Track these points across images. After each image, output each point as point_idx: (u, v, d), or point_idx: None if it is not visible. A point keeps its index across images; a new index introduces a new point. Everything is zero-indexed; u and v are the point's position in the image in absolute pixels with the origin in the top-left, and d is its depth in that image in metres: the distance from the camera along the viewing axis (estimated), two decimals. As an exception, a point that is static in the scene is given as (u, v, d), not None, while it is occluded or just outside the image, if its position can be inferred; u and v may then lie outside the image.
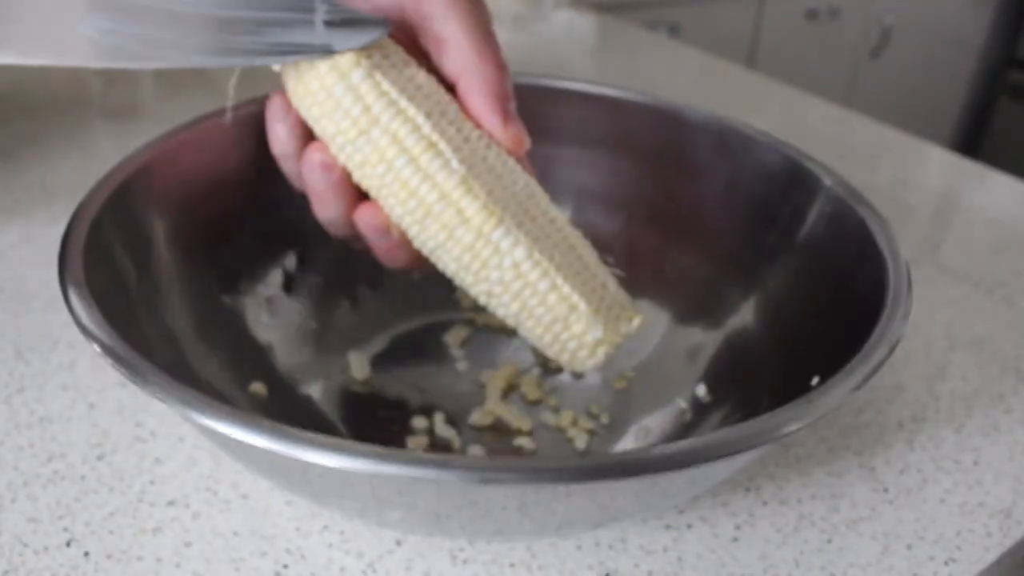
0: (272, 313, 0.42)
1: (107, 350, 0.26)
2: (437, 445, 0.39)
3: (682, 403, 0.40)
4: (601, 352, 0.33)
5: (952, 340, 0.47)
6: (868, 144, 0.71)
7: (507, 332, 0.45)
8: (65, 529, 0.33)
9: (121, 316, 0.29)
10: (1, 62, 0.26)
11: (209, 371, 0.35)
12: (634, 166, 0.46)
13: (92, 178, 0.34)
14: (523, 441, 0.39)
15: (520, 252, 0.32)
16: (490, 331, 0.45)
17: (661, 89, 0.46)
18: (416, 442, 0.38)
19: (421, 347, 0.44)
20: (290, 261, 0.43)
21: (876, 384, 0.28)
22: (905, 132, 0.72)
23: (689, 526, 0.35)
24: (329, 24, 0.30)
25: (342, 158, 0.32)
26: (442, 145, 0.31)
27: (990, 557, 0.34)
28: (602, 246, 0.36)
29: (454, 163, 0.31)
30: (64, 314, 0.28)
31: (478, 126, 0.33)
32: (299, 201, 0.35)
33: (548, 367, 0.44)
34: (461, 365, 0.43)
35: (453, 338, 0.45)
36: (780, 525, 0.35)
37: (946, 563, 0.34)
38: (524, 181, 0.33)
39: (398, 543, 0.33)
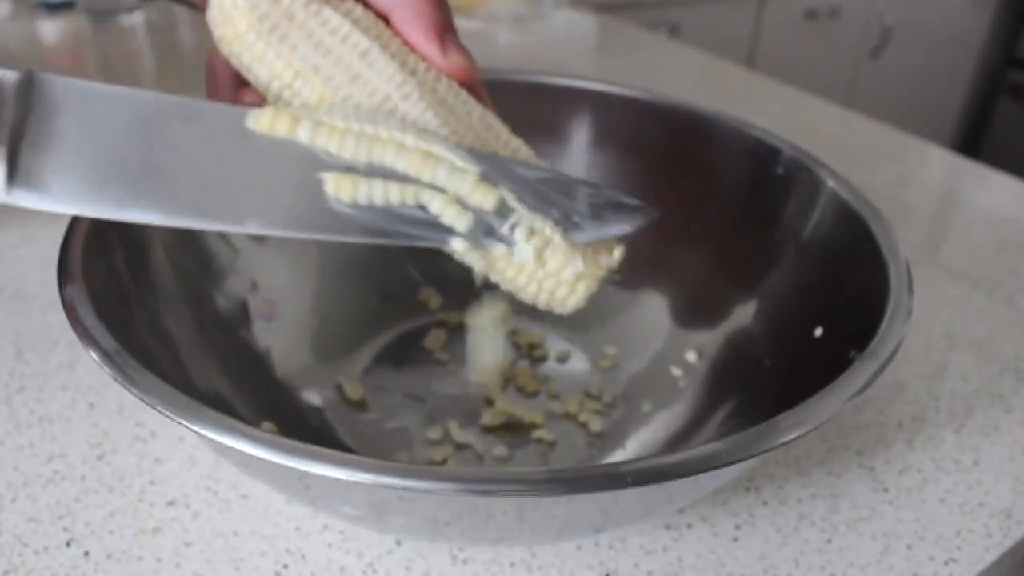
0: (270, 317, 0.42)
1: (105, 359, 0.26)
2: (459, 452, 0.39)
3: (676, 370, 0.42)
4: (581, 288, 0.30)
5: (952, 340, 0.47)
6: (868, 144, 0.71)
7: None
8: (65, 529, 0.33)
9: (119, 320, 0.29)
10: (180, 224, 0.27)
11: (209, 375, 0.35)
12: (639, 166, 0.46)
13: (92, 178, 0.34)
14: (540, 433, 0.40)
15: (465, 183, 0.29)
16: (465, 329, 0.46)
17: (661, 89, 0.46)
18: (440, 452, 0.38)
19: (405, 357, 0.44)
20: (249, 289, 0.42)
21: (876, 384, 0.28)
22: (905, 132, 0.72)
23: (689, 526, 0.35)
24: (593, 207, 0.30)
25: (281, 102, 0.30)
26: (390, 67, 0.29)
27: (990, 557, 0.34)
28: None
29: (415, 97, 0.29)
30: (64, 314, 0.28)
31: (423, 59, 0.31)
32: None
33: (534, 356, 0.44)
34: (451, 368, 0.44)
35: (433, 343, 0.45)
36: (780, 525, 0.35)
37: (946, 563, 0.34)
38: (479, 113, 0.31)
39: (398, 543, 0.33)
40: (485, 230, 0.28)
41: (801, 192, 0.40)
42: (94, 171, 0.26)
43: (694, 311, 0.44)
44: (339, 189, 0.27)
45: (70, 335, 0.43)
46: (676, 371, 0.42)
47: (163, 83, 0.74)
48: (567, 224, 0.29)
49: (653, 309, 0.45)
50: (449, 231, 0.28)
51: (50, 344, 0.43)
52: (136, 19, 0.88)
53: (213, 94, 0.32)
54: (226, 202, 0.27)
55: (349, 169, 0.28)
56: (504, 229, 0.28)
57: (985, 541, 0.35)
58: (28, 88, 0.25)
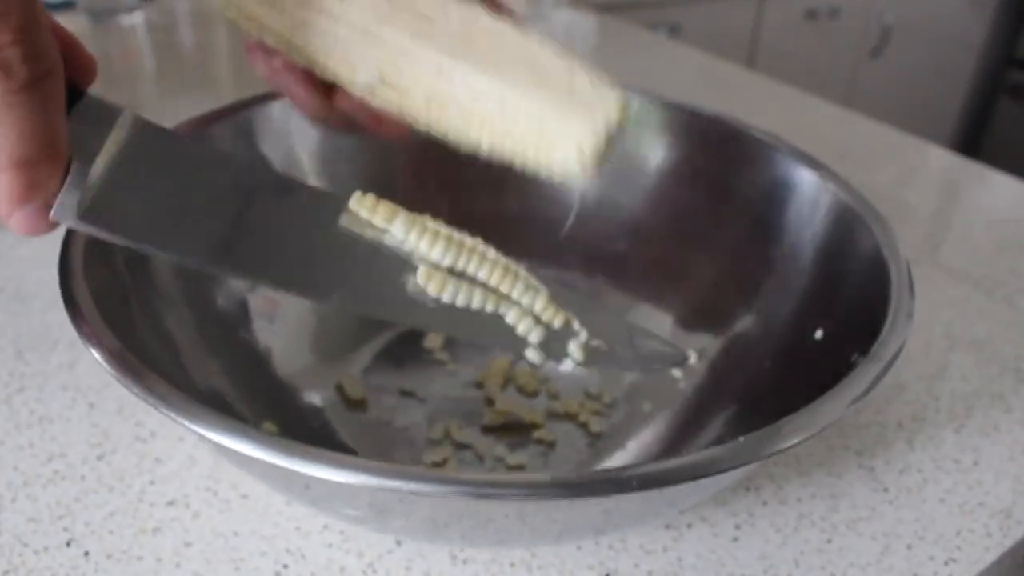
0: (271, 318, 0.42)
1: (107, 359, 0.26)
2: (460, 452, 0.39)
3: (676, 371, 0.42)
4: (587, 148, 0.29)
5: (952, 340, 0.47)
6: (868, 144, 0.71)
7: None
8: (65, 529, 0.33)
9: (120, 320, 0.29)
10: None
11: (209, 375, 0.35)
12: (637, 165, 0.46)
13: (92, 178, 0.34)
14: (541, 433, 0.40)
15: (471, 75, 0.30)
16: None
17: (661, 90, 0.46)
18: (440, 453, 0.38)
19: (405, 357, 0.44)
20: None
21: (876, 386, 0.28)
22: (905, 132, 0.72)
23: (689, 526, 0.35)
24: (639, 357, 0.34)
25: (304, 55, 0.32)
26: None
27: (990, 557, 0.34)
28: (607, 251, 0.36)
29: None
30: (64, 314, 0.28)
31: None
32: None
33: None
34: (451, 368, 0.43)
35: (433, 343, 0.45)
36: (780, 525, 0.35)
37: (946, 563, 0.34)
38: (457, 13, 0.32)
39: (398, 543, 0.33)
40: (550, 345, 0.32)
41: (801, 193, 0.40)
42: (182, 220, 0.27)
43: (694, 312, 0.44)
44: (430, 280, 0.30)
45: (70, 335, 0.43)
46: (676, 372, 0.42)
47: (163, 83, 0.74)
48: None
49: (653, 310, 0.45)
50: (522, 342, 0.31)
51: (50, 344, 0.43)
52: (136, 19, 0.88)
53: (254, 63, 0.34)
54: (314, 272, 0.29)
55: (436, 266, 0.30)
56: (568, 346, 0.32)
57: (985, 541, 0.35)
58: (132, 128, 0.26)
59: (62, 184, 0.24)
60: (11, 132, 0.22)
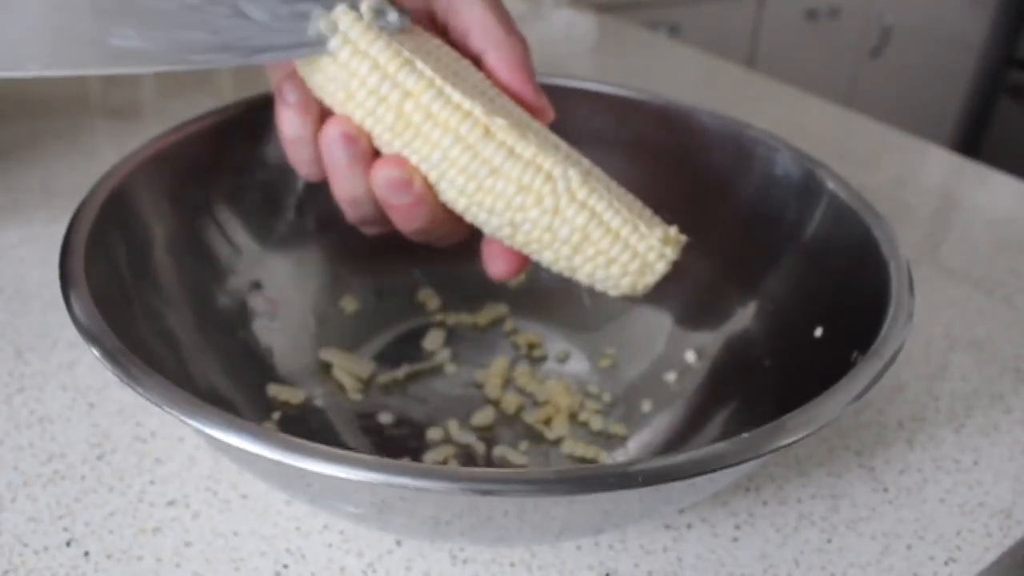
0: (271, 318, 0.42)
1: (108, 358, 0.26)
2: (460, 452, 0.39)
3: (676, 371, 0.42)
4: (670, 251, 0.32)
5: (952, 340, 0.47)
6: (868, 144, 0.71)
7: (479, 328, 0.46)
8: (65, 529, 0.33)
9: (121, 318, 0.29)
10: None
11: (210, 375, 0.35)
12: (639, 167, 0.46)
13: (92, 178, 0.34)
14: (541, 433, 0.40)
15: (575, 177, 0.31)
16: (463, 329, 0.46)
17: (661, 89, 0.46)
18: (441, 453, 0.38)
19: (405, 357, 0.44)
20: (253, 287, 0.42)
21: (877, 384, 0.28)
22: (905, 132, 0.72)
23: (689, 526, 0.35)
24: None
25: (367, 125, 0.31)
26: (466, 100, 0.31)
27: (990, 557, 0.34)
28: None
29: (481, 110, 0.31)
30: (64, 314, 0.28)
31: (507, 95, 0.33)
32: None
33: (533, 356, 0.45)
34: (450, 368, 0.44)
35: (432, 343, 0.45)
36: (780, 525, 0.35)
37: (946, 563, 0.34)
38: (554, 137, 0.33)
39: (398, 543, 0.33)
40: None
41: (801, 193, 0.40)
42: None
43: (694, 311, 0.44)
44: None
45: (70, 335, 0.43)
46: (676, 371, 0.42)
47: (163, 83, 0.75)
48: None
49: (652, 309, 0.45)
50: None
51: (50, 344, 0.43)
52: (136, 19, 0.88)
53: (283, 126, 0.33)
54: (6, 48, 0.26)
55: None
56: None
57: (985, 541, 0.35)
58: None
59: None
60: None
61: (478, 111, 0.30)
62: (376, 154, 0.32)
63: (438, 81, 0.30)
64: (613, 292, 0.33)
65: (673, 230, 0.32)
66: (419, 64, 0.30)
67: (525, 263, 0.34)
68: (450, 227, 0.33)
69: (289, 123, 0.33)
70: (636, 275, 0.32)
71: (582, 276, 0.32)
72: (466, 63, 0.33)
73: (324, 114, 0.32)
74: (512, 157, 0.30)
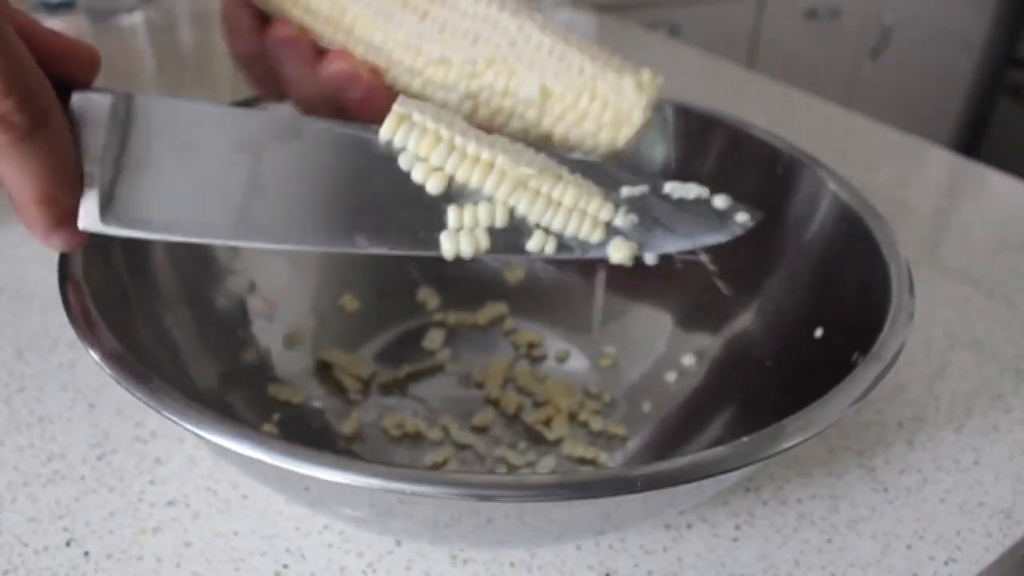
0: (271, 318, 0.42)
1: (106, 360, 0.26)
2: (460, 452, 0.39)
3: (676, 371, 0.42)
4: (645, 98, 0.30)
5: (952, 340, 0.47)
6: (868, 144, 0.71)
7: (480, 328, 0.46)
8: (65, 529, 0.33)
9: (119, 321, 0.29)
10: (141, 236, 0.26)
11: (209, 376, 0.35)
12: (639, 170, 0.46)
13: (92, 178, 0.34)
14: (541, 433, 0.40)
15: (528, 25, 0.29)
16: (463, 329, 0.46)
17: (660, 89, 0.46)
18: (440, 453, 0.38)
19: (405, 357, 0.44)
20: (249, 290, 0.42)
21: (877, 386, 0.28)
22: (905, 132, 0.72)
23: (689, 526, 0.35)
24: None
25: (307, 23, 0.31)
26: None
27: (990, 557, 0.34)
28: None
29: None
30: (64, 314, 0.28)
31: None
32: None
33: (533, 356, 0.45)
34: (451, 368, 0.44)
35: (432, 343, 0.45)
36: (780, 525, 0.35)
37: (946, 563, 0.34)
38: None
39: (398, 543, 0.33)
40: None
41: (801, 193, 0.40)
42: (199, 197, 0.26)
43: (694, 312, 0.44)
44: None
45: (70, 335, 0.43)
46: (676, 372, 0.42)
47: (163, 83, 0.74)
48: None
49: (652, 310, 0.45)
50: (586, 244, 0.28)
51: (50, 344, 0.43)
52: (136, 19, 0.88)
53: (236, 43, 0.33)
54: (333, 219, 0.27)
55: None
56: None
57: (985, 541, 0.35)
58: (125, 111, 0.25)
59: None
60: (27, 177, 0.23)
61: None
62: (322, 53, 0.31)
63: None
64: (595, 154, 0.31)
65: (647, 73, 0.30)
66: None
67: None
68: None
69: (244, 44, 0.33)
70: (612, 127, 0.30)
71: (558, 142, 0.31)
72: None
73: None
74: (457, 12, 0.29)
